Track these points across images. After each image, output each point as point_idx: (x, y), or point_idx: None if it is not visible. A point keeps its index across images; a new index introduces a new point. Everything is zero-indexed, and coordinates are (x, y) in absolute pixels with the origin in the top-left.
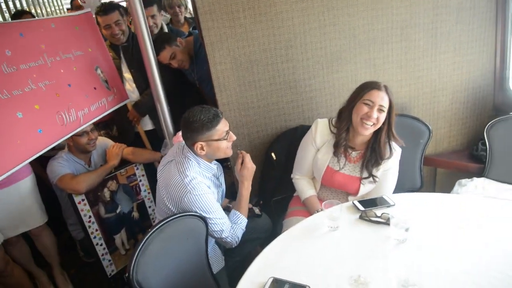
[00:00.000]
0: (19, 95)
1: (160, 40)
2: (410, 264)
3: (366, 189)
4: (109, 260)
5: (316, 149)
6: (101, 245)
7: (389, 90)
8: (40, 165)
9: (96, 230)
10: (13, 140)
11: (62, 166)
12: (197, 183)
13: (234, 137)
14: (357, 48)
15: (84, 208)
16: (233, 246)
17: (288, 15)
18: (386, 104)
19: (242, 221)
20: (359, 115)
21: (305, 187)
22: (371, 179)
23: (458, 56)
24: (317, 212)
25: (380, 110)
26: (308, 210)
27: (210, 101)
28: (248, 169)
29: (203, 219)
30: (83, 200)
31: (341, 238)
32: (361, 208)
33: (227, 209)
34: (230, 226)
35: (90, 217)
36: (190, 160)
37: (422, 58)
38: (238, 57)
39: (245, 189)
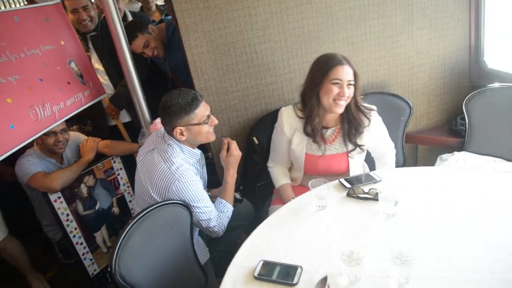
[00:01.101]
0: None
1: (132, 28)
2: (401, 237)
3: (356, 163)
4: (91, 259)
5: (288, 140)
6: (81, 244)
7: (349, 60)
8: (4, 163)
9: (75, 229)
10: None
11: (32, 164)
12: (184, 170)
13: (216, 121)
14: (335, 27)
15: (60, 206)
16: (219, 235)
17: None
18: (352, 77)
19: (228, 209)
20: (330, 97)
21: (278, 176)
22: (358, 149)
23: (434, 32)
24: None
25: (349, 85)
26: (282, 196)
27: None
28: (234, 156)
29: (187, 207)
30: (59, 197)
31: (330, 216)
32: (348, 185)
33: None
34: (217, 214)
35: (67, 215)
36: (173, 147)
37: (399, 35)
38: (215, 40)
39: (231, 176)
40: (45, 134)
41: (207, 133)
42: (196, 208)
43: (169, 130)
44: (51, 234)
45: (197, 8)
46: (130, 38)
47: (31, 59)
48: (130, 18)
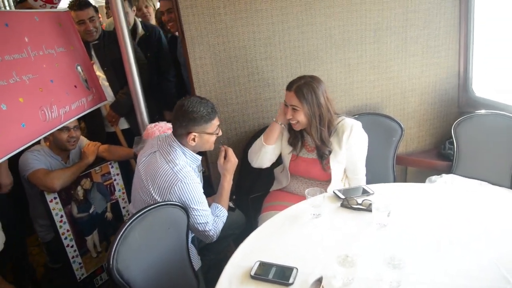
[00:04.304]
0: (3, 86)
1: None
2: (394, 245)
3: (336, 169)
4: (80, 263)
5: (281, 135)
6: (72, 246)
7: (303, 90)
8: None
9: (68, 231)
10: None
11: (36, 160)
12: (187, 171)
13: (221, 133)
14: (333, 48)
15: (56, 207)
16: (213, 240)
17: (268, 13)
18: (297, 103)
19: (223, 214)
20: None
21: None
22: (336, 165)
23: (426, 59)
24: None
25: (293, 109)
26: (270, 132)
27: None
28: (231, 162)
29: (185, 209)
30: (55, 198)
31: (325, 224)
32: (342, 196)
33: None
34: (213, 219)
35: (62, 216)
36: (176, 149)
37: (393, 60)
38: (218, 53)
39: (227, 182)
40: (59, 130)
41: (212, 142)
42: (195, 211)
43: (182, 134)
44: (42, 234)
45: (204, 22)
46: None
47: (47, 58)
48: (140, 29)
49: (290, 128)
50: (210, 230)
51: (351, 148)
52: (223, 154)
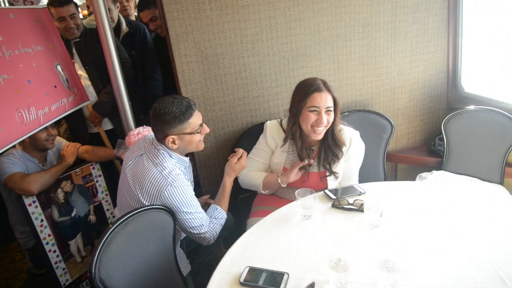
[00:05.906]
0: None
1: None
2: (387, 246)
3: (333, 180)
4: (63, 269)
5: (271, 151)
6: (54, 252)
7: (329, 86)
8: None
9: (49, 236)
10: None
11: (12, 164)
12: (176, 174)
13: (208, 130)
14: (322, 44)
15: (35, 211)
16: (210, 243)
17: (255, 9)
18: (331, 103)
19: (222, 216)
20: (308, 124)
21: (254, 177)
22: (332, 176)
23: (415, 55)
24: (279, 177)
25: (328, 111)
26: (271, 186)
27: None
28: (242, 164)
29: (170, 213)
30: (34, 202)
31: (316, 226)
32: (333, 196)
33: None
34: (209, 220)
35: (42, 220)
36: (163, 152)
37: (382, 56)
38: (204, 50)
39: (230, 182)
40: None
41: (198, 142)
42: (188, 214)
43: (161, 138)
44: (23, 241)
45: (189, 18)
46: (143, 6)
47: (24, 58)
48: (124, 26)
49: (299, 154)
50: (206, 232)
51: (349, 160)
52: (239, 155)
